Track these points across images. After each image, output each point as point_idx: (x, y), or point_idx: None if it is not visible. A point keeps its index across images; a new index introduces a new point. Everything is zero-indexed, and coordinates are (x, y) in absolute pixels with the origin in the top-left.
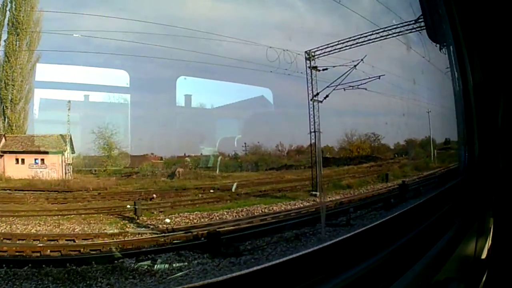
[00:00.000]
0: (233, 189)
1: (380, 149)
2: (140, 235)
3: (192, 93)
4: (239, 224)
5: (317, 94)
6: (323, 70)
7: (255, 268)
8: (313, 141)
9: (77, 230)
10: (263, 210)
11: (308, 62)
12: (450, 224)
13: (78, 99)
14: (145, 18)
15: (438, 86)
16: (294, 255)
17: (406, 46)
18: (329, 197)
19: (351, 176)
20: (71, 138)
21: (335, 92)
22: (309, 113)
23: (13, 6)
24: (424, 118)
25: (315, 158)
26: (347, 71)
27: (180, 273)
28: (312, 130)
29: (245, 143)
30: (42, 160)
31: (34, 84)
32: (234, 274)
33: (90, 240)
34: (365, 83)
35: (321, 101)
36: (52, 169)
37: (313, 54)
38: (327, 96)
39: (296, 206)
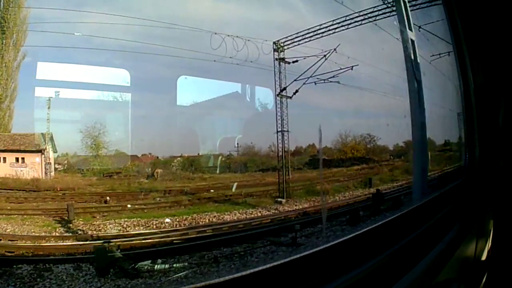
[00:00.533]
0: (233, 189)
1: (376, 151)
2: (62, 241)
3: (193, 92)
4: (168, 236)
5: (284, 89)
6: (293, 62)
7: (256, 270)
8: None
9: (8, 230)
10: (211, 219)
11: (276, 53)
12: (451, 226)
13: (78, 97)
14: (146, 17)
15: (437, 86)
16: (295, 256)
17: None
18: (295, 206)
19: (335, 179)
20: (52, 137)
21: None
22: (276, 110)
23: (1, 5)
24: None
25: (282, 160)
26: (316, 62)
27: None
28: (279, 130)
29: (237, 143)
30: (23, 159)
31: (19, 82)
32: (235, 275)
33: (15, 241)
34: (337, 75)
35: (290, 97)
36: (32, 168)
37: (281, 44)
38: (296, 91)
39: (252, 216)
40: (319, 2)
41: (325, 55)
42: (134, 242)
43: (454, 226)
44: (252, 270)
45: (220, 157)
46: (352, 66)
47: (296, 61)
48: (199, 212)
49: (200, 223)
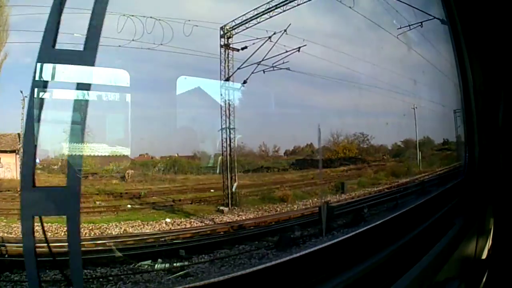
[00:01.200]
0: (233, 189)
1: (370, 150)
2: None
3: (192, 92)
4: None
5: (228, 78)
6: (242, 49)
7: (255, 268)
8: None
9: None
10: (128, 229)
11: (222, 39)
12: (451, 225)
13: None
14: (145, 17)
15: (434, 84)
16: (295, 255)
17: (407, 46)
18: (238, 216)
19: (309, 183)
20: None
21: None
22: (220, 104)
23: None
24: (423, 120)
25: (227, 161)
26: (260, 46)
27: None
28: (224, 127)
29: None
30: None
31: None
32: (234, 274)
33: None
34: (286, 61)
35: (238, 89)
36: (8, 168)
37: (228, 29)
38: (245, 81)
39: (178, 227)
40: None
41: (270, 37)
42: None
43: (454, 224)
44: (251, 270)
45: (220, 157)
46: (299, 48)
47: (245, 47)
48: (122, 220)
49: (113, 233)
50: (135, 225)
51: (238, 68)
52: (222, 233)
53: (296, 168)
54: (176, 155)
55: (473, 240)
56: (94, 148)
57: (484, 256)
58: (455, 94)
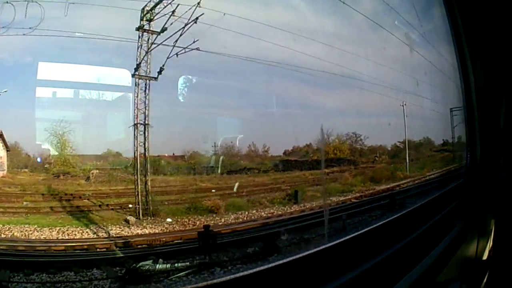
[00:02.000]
0: (234, 189)
1: (363, 151)
2: None
3: (191, 92)
4: None
5: (138, 65)
6: (162, 32)
7: (257, 269)
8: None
9: None
10: (18, 234)
11: (141, 22)
12: (452, 226)
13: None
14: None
15: (434, 83)
16: (296, 256)
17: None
18: (143, 229)
19: (265, 189)
20: (1, 135)
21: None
22: (133, 96)
23: None
24: (424, 120)
25: (136, 163)
26: (166, 22)
27: None
28: (136, 122)
29: (214, 143)
30: None
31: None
32: (237, 275)
33: None
34: (196, 40)
35: (156, 78)
36: None
37: (148, 9)
38: (161, 69)
39: (68, 237)
40: None
41: (173, 11)
42: None
43: (455, 226)
44: (253, 270)
45: (221, 157)
46: (197, 18)
47: (165, 29)
48: (22, 224)
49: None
50: (27, 230)
51: (146, 53)
52: (92, 251)
53: (278, 170)
54: (172, 154)
55: (474, 242)
56: (76, 146)
57: (485, 257)
58: (456, 94)
